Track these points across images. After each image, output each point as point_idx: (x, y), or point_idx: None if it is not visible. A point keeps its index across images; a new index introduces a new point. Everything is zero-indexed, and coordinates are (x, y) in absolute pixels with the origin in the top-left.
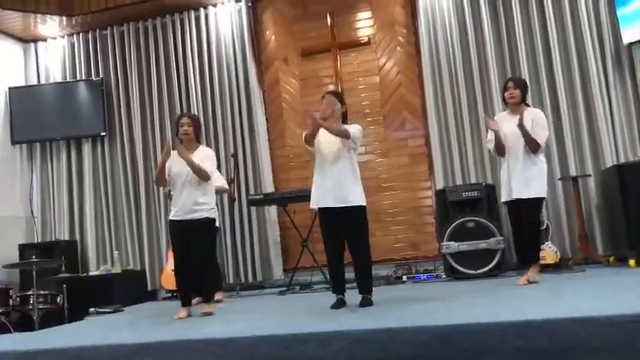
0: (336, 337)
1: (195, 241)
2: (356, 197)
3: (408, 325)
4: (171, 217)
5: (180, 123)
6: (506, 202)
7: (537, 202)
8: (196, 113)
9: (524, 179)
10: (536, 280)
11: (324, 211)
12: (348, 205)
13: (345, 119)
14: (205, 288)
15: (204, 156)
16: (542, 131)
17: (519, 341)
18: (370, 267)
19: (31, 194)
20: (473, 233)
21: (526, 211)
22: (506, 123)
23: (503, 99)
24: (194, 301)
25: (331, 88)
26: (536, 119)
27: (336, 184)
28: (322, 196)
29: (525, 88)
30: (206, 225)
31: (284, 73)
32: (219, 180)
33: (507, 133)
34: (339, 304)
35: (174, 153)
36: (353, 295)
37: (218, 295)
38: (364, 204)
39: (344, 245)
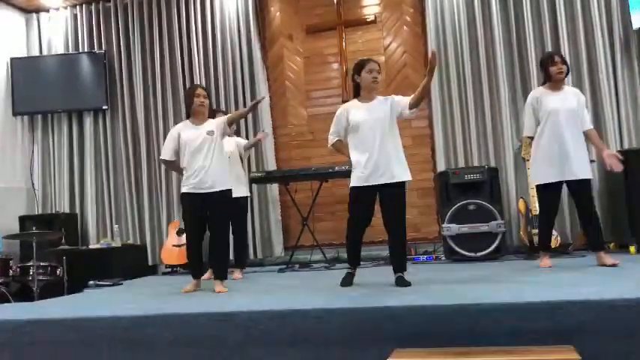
0: (335, 314)
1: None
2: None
3: (405, 304)
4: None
5: (197, 94)
6: (549, 183)
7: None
8: None
9: (583, 159)
10: (612, 262)
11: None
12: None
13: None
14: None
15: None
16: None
17: (517, 323)
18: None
19: (32, 166)
20: (474, 216)
21: (588, 191)
22: (552, 99)
23: (546, 74)
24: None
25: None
26: (582, 101)
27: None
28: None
29: None
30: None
31: (288, 50)
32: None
33: (556, 110)
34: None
35: (186, 124)
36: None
37: (236, 274)
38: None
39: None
